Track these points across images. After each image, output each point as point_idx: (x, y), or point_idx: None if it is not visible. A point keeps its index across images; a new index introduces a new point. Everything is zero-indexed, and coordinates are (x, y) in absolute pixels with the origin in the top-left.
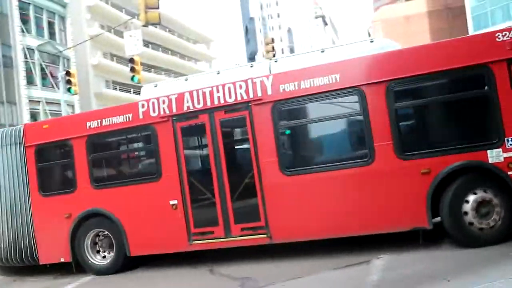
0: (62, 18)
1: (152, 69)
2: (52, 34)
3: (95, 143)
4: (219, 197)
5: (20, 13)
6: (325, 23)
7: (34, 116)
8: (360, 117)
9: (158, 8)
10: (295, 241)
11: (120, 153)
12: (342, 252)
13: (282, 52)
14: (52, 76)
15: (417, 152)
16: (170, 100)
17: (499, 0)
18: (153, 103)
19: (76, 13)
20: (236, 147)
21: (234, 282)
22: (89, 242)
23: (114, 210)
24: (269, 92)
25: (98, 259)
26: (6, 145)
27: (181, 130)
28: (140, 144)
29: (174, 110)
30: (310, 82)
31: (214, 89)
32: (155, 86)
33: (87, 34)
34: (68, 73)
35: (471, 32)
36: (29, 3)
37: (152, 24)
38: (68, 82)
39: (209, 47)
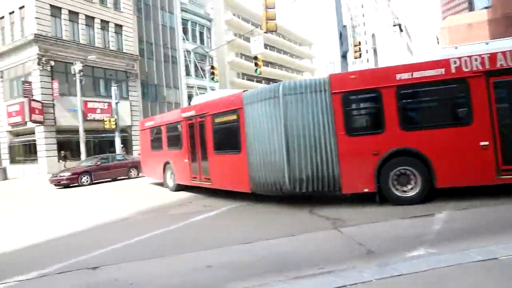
0: (209, 29)
1: (269, 65)
2: (202, 40)
3: (405, 91)
4: None
5: (182, 27)
6: (401, 30)
7: (189, 97)
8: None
9: (275, 19)
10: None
11: (430, 100)
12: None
13: (367, 52)
14: (201, 69)
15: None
16: (483, 59)
17: None
18: (465, 60)
19: (218, 25)
20: None
21: (327, 221)
22: (392, 177)
23: (423, 149)
24: None
25: (399, 192)
26: (311, 92)
27: (493, 84)
28: (451, 94)
29: (487, 67)
30: None
31: None
32: (455, 48)
33: (225, 40)
34: (212, 67)
35: None
36: (187, 20)
37: (270, 32)
38: (212, 73)
39: (311, 48)
